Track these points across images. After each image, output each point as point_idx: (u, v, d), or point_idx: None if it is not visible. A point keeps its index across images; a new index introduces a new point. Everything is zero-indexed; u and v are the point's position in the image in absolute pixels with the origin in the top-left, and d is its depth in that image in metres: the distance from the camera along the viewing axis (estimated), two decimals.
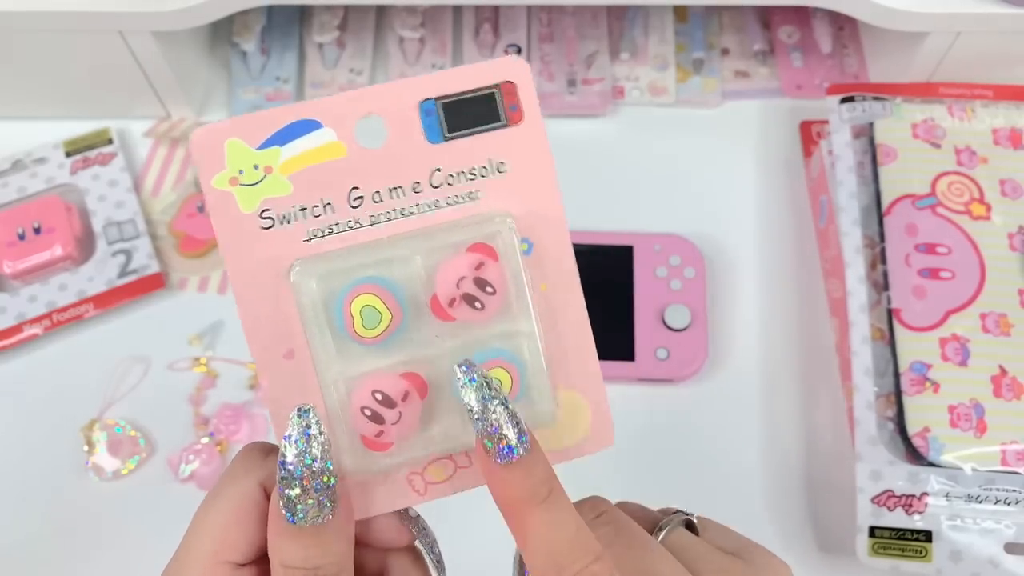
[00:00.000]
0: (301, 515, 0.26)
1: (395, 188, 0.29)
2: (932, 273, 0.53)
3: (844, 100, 0.59)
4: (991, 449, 0.49)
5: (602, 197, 0.64)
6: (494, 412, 0.27)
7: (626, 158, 0.66)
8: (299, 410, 0.26)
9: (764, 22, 0.71)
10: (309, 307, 0.29)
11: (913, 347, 0.51)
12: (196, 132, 0.28)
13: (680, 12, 0.71)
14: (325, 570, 0.27)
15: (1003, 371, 0.50)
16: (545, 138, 0.29)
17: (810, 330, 0.59)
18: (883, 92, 0.59)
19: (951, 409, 0.50)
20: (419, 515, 0.31)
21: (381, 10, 0.71)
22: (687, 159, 0.66)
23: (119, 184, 0.63)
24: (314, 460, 0.26)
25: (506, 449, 0.26)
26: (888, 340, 0.52)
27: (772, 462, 0.55)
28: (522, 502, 0.27)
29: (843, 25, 0.70)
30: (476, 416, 0.27)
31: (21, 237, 0.60)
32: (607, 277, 0.59)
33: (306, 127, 0.28)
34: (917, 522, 0.48)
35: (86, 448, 0.56)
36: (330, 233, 0.29)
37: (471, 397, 0.27)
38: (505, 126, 0.29)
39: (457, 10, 0.70)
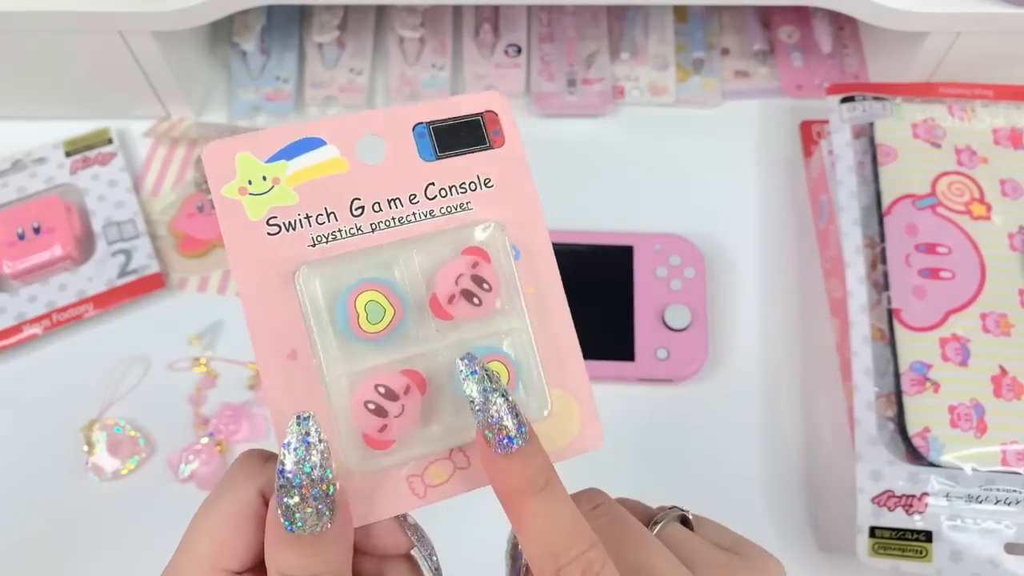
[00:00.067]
0: (299, 523, 0.26)
1: (393, 199, 0.31)
2: (932, 273, 0.53)
3: (844, 100, 0.59)
4: (991, 449, 0.49)
5: (602, 197, 0.64)
6: (495, 404, 0.27)
7: (626, 158, 0.66)
8: (298, 417, 0.26)
9: (764, 22, 0.71)
10: (313, 307, 0.30)
11: (913, 347, 0.51)
12: (208, 145, 0.30)
13: (680, 12, 0.71)
14: None
15: (1003, 371, 0.50)
16: (525, 158, 0.32)
17: (810, 330, 0.59)
18: (883, 92, 0.59)
19: (951, 409, 0.50)
20: (417, 523, 0.31)
21: (381, 10, 0.71)
22: (687, 159, 0.66)
23: (119, 184, 0.63)
24: (313, 468, 0.26)
25: (506, 439, 0.27)
26: (888, 340, 0.52)
27: (772, 462, 0.55)
28: (520, 491, 0.27)
29: (843, 25, 0.70)
30: (477, 407, 0.27)
31: (21, 237, 0.60)
32: (607, 277, 0.59)
33: (311, 144, 0.30)
34: (917, 522, 0.48)
35: (86, 448, 0.56)
36: (333, 239, 0.30)
37: (473, 389, 0.27)
38: (490, 148, 0.32)
39: (457, 10, 0.70)
